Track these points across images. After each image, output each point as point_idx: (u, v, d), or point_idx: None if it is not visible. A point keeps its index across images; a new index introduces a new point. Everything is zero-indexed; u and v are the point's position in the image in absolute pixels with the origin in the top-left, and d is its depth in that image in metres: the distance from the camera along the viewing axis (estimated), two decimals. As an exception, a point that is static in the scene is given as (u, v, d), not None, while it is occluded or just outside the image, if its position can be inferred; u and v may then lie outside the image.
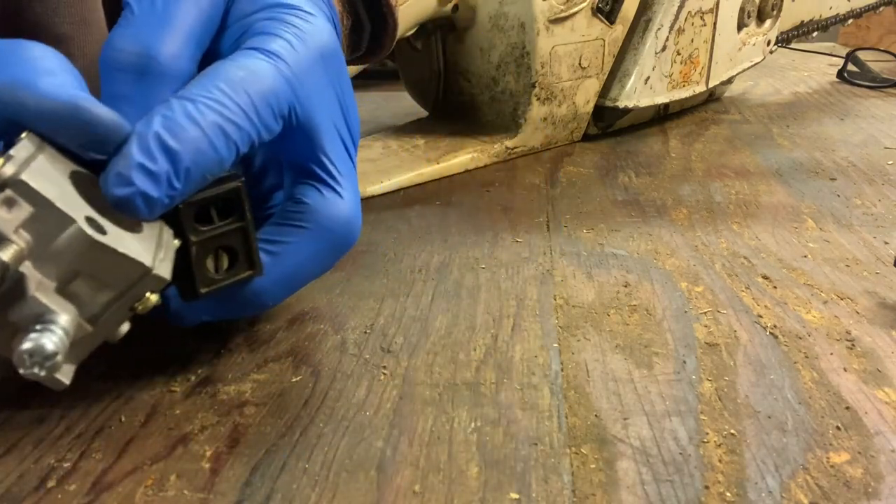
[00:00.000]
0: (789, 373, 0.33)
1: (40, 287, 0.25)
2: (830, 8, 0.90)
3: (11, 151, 0.25)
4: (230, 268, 0.31)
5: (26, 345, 0.25)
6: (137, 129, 0.27)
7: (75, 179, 0.27)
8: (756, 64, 0.80)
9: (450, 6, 0.61)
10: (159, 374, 0.33)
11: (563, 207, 0.53)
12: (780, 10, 0.79)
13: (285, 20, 0.31)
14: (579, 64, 0.64)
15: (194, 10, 0.30)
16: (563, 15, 0.61)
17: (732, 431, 0.29)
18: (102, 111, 0.26)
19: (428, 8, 0.59)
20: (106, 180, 0.26)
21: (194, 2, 0.30)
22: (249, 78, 0.29)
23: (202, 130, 0.27)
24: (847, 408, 0.30)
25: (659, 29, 0.67)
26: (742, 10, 0.74)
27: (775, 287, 0.41)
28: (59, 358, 0.25)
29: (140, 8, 0.29)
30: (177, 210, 0.29)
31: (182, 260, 0.30)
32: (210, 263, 0.30)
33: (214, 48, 0.31)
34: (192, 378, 0.32)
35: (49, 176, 0.26)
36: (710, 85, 0.75)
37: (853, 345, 0.35)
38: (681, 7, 0.68)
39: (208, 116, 0.28)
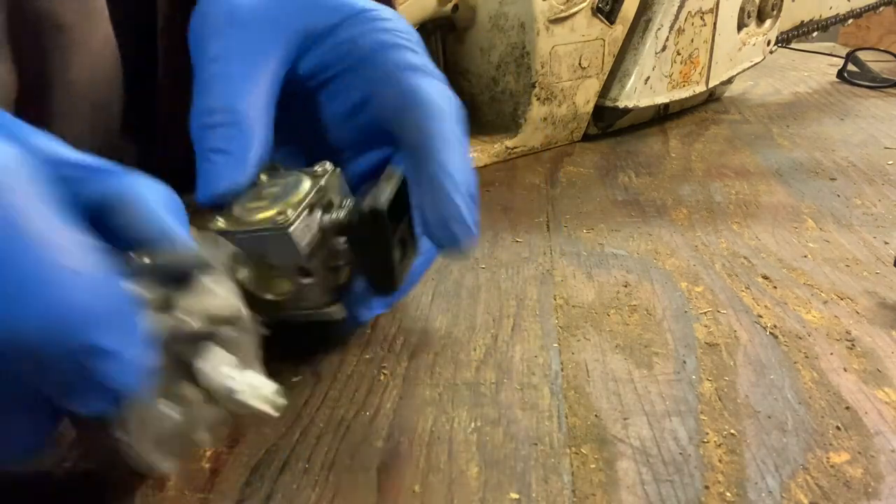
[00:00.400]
0: (789, 373, 0.33)
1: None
2: (830, 8, 0.90)
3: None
4: (405, 256, 0.32)
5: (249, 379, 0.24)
6: (452, 186, 0.30)
7: None
8: (756, 64, 0.80)
9: (450, 6, 0.61)
10: (159, 374, 0.33)
11: (563, 207, 0.53)
12: (780, 10, 0.79)
13: (390, 29, 0.33)
14: (579, 64, 0.64)
15: (263, 54, 0.31)
16: (563, 15, 0.61)
17: (732, 431, 0.29)
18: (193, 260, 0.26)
19: (428, 8, 0.59)
20: (441, 238, 0.30)
21: (261, 48, 0.31)
22: (447, 101, 0.32)
23: (469, 164, 0.31)
24: (847, 408, 0.30)
25: (659, 29, 0.67)
26: (742, 10, 0.74)
27: (775, 287, 0.41)
28: (280, 401, 0.24)
29: (213, 68, 0.31)
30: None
31: (374, 259, 0.30)
32: (396, 255, 0.31)
33: (293, 70, 0.33)
34: (192, 378, 0.32)
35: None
36: (710, 85, 0.75)
37: (853, 345, 0.35)
38: (681, 7, 0.68)
39: (464, 151, 0.31)
